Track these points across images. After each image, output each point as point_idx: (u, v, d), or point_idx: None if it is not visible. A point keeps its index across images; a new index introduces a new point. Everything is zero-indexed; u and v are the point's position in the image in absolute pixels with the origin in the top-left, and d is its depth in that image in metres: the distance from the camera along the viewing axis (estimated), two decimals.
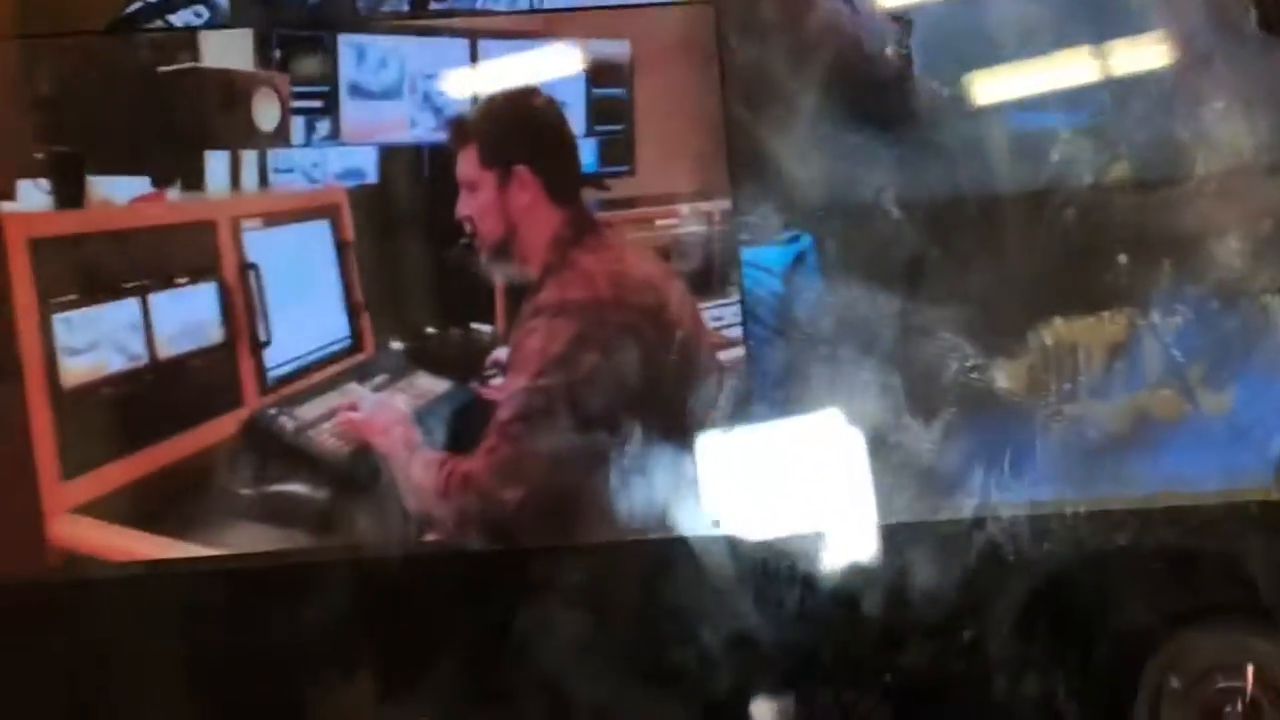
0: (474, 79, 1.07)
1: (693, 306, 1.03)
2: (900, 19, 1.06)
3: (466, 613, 1.01)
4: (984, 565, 1.01)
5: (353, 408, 1.04)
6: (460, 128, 1.05)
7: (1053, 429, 1.03)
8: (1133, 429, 1.03)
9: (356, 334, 1.05)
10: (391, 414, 1.03)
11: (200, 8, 1.07)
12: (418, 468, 1.01)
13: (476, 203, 1.03)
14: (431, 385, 1.05)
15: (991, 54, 1.05)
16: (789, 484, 1.01)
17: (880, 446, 1.01)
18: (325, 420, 1.04)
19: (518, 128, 1.05)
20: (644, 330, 1.02)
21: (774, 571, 1.00)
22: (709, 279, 1.04)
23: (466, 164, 1.04)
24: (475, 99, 1.06)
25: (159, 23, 1.08)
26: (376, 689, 1.01)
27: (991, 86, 1.06)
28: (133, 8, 1.08)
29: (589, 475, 1.01)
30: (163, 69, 1.05)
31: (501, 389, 1.03)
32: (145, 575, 1.00)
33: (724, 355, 1.03)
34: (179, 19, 1.08)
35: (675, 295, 1.03)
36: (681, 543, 1.00)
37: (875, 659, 1.00)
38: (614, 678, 1.00)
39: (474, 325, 1.05)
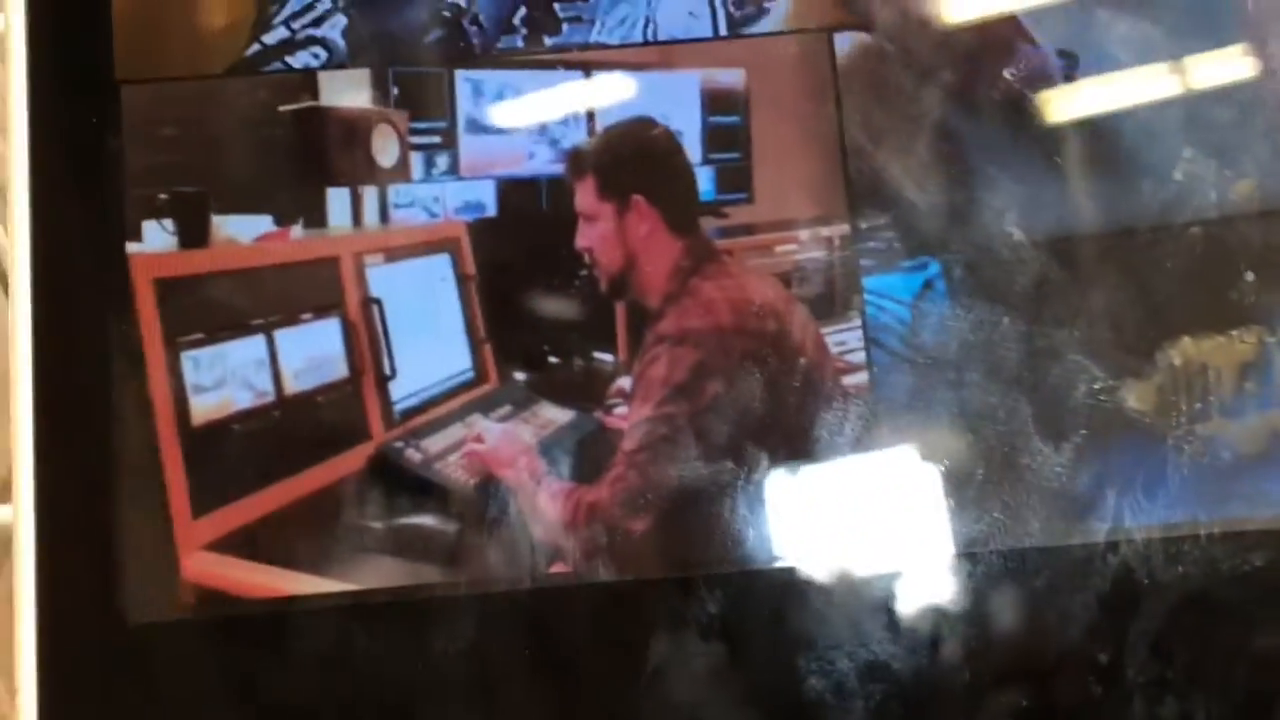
0: (590, 111, 1.07)
1: (815, 332, 1.03)
2: (1066, 53, 1.06)
3: (596, 644, 1.01)
4: (1118, 589, 1.00)
5: (478, 440, 1.04)
6: (578, 160, 1.06)
7: (1184, 450, 1.02)
8: (1266, 448, 1.02)
9: (480, 366, 1.06)
10: (516, 445, 1.04)
11: (318, 49, 1.09)
12: (544, 498, 1.01)
13: (595, 234, 1.05)
14: (555, 415, 1.06)
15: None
16: (916, 511, 1.00)
17: (1009, 471, 1.00)
18: (452, 452, 1.05)
19: (634, 158, 1.06)
20: (767, 357, 1.02)
21: (904, 599, 0.99)
22: (830, 304, 1.04)
23: (585, 196, 1.05)
24: (592, 132, 1.07)
25: (278, 64, 1.09)
26: None
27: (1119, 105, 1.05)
28: (250, 51, 1.10)
29: (715, 504, 1.00)
30: (283, 108, 1.07)
31: (626, 418, 1.03)
32: (279, 612, 1.00)
33: (848, 381, 1.02)
34: (297, 60, 1.09)
35: (797, 321, 1.04)
36: (808, 572, 0.99)
37: (1010, 685, 0.99)
38: (745, 710, 1.00)
39: (596, 355, 1.05)
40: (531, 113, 1.08)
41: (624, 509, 1.00)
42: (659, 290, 1.04)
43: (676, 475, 1.01)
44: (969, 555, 1.00)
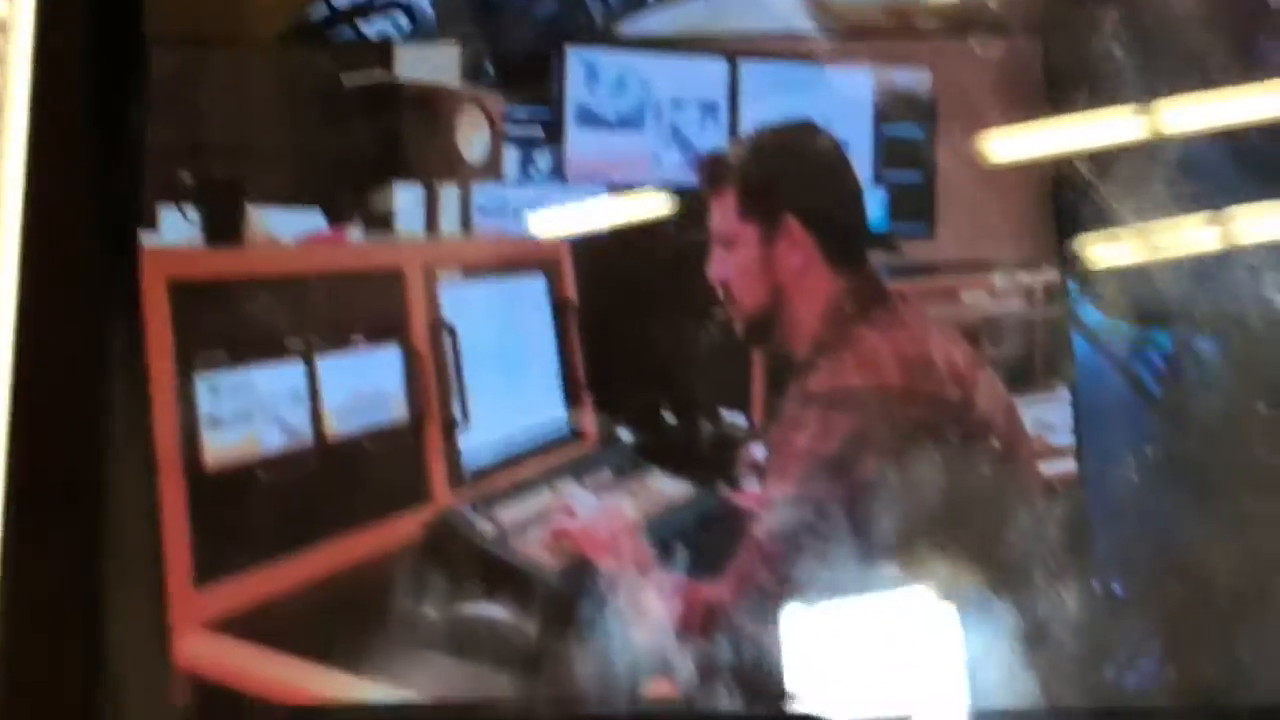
0: (733, 109, 0.89)
1: (1008, 404, 0.83)
2: None
3: None
4: None
5: (569, 513, 0.85)
6: (717, 169, 0.88)
7: None
8: None
9: (576, 418, 0.88)
10: (618, 523, 0.85)
11: (400, 15, 0.91)
12: (651, 595, 0.81)
13: (734, 261, 0.86)
14: (668, 488, 0.88)
15: None
16: (1141, 644, 0.79)
17: (1267, 596, 0.80)
18: (534, 525, 0.85)
19: (790, 171, 0.87)
20: (944, 430, 0.82)
21: None
22: (1030, 370, 0.85)
23: (724, 214, 0.87)
24: (736, 135, 0.89)
25: (348, 31, 0.91)
26: None
27: None
28: (315, 15, 0.92)
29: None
30: (347, 80, 0.88)
31: (759, 496, 0.84)
32: None
33: (1050, 469, 0.82)
34: (373, 28, 0.91)
35: (985, 389, 0.84)
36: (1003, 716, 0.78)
37: None
38: None
39: (725, 415, 0.87)
40: (661, 107, 0.89)
41: (752, 615, 0.80)
42: (810, 336, 0.85)
43: (820, 573, 0.80)
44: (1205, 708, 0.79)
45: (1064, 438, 0.84)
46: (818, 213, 0.87)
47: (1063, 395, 0.84)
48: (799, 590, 0.81)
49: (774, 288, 0.86)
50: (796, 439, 0.83)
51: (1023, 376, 0.85)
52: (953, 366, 0.84)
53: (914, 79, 0.89)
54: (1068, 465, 0.83)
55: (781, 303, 0.86)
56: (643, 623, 0.81)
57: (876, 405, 0.83)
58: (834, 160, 0.88)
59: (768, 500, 0.83)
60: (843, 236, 0.87)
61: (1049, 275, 0.86)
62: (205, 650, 0.81)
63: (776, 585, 0.81)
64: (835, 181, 0.88)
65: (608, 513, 0.85)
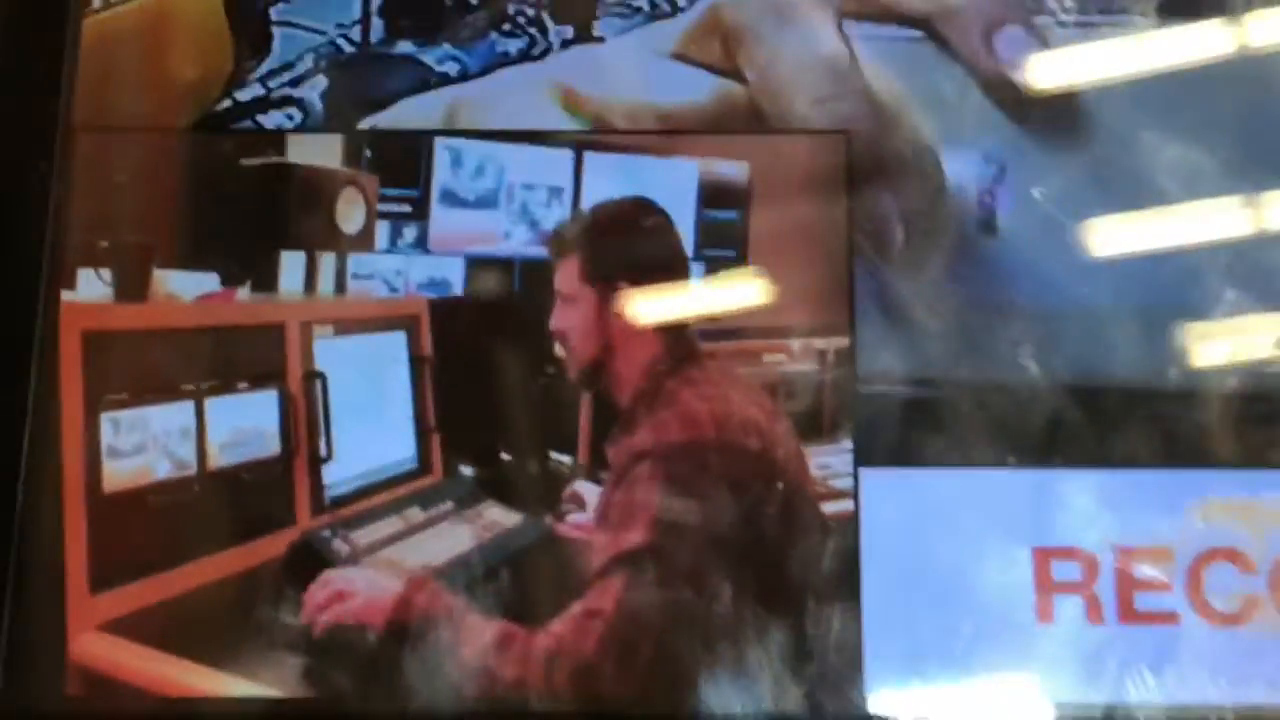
0: (579, 191, 1.03)
1: (799, 452, 0.97)
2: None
3: None
4: None
5: (339, 597, 0.94)
6: (562, 237, 1.01)
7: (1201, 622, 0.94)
8: None
9: (424, 456, 1.01)
10: (388, 589, 0.94)
11: (293, 110, 1.06)
12: (475, 641, 0.92)
13: (573, 317, 0.99)
14: (501, 517, 1.01)
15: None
16: (909, 659, 0.93)
17: (1006, 629, 0.93)
18: (384, 546, 0.99)
19: (625, 242, 1.00)
20: (750, 480, 0.95)
21: None
22: (819, 423, 0.98)
23: (566, 277, 1.00)
24: (578, 211, 1.03)
25: (248, 122, 1.06)
26: None
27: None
28: (222, 106, 1.06)
29: (693, 642, 0.92)
30: (245, 162, 1.03)
31: (605, 546, 0.95)
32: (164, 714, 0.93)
33: (830, 508, 0.96)
34: (270, 120, 1.06)
35: (781, 438, 0.97)
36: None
37: None
38: None
39: (553, 455, 1.00)
40: (513, 189, 1.03)
41: (602, 653, 0.92)
42: (631, 387, 0.98)
43: (662, 612, 0.93)
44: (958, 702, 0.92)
45: (846, 482, 0.97)
46: (648, 281, 1.00)
47: (845, 444, 0.97)
48: (647, 625, 0.93)
49: (605, 343, 0.99)
50: (638, 495, 0.95)
51: (812, 428, 0.98)
52: (754, 421, 0.98)
53: (733, 169, 1.03)
54: (846, 504, 0.96)
55: (610, 356, 0.99)
56: (470, 662, 0.93)
57: (699, 459, 0.96)
58: (665, 235, 1.02)
59: (615, 551, 0.93)
60: (666, 302, 1.00)
61: (839, 341, 0.99)
62: (97, 648, 0.95)
63: (630, 622, 0.92)
64: (664, 254, 1.01)
65: (372, 584, 0.95)
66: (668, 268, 1.02)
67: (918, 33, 1.05)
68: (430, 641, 0.93)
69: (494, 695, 0.92)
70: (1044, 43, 1.04)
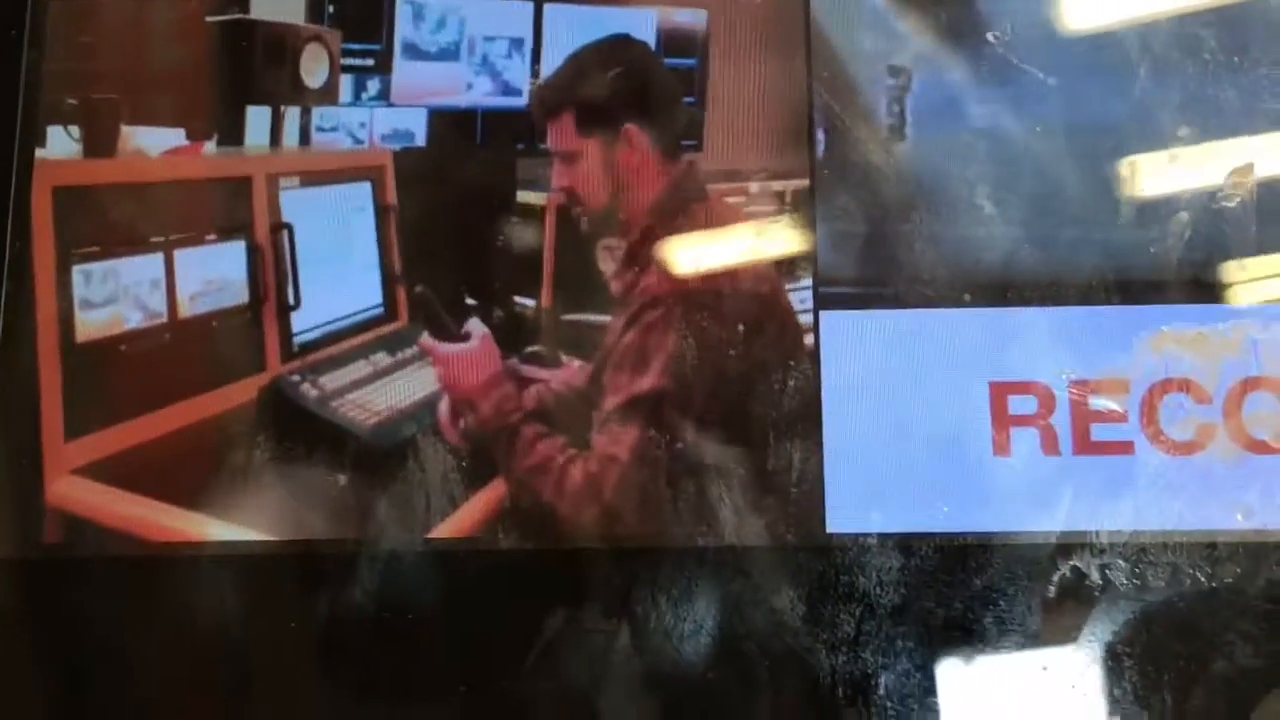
0: (540, 43, 1.05)
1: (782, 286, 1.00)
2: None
3: (493, 613, 0.97)
4: (1073, 598, 0.95)
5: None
6: (550, 95, 1.03)
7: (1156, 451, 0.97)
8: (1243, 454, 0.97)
9: (390, 302, 1.03)
10: (496, 368, 1.00)
11: None
12: (521, 454, 0.97)
13: (579, 172, 1.01)
14: None
15: None
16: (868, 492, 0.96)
17: (955, 448, 0.96)
18: (352, 390, 1.02)
19: (616, 83, 1.02)
20: (762, 320, 0.98)
21: (827, 584, 0.95)
22: (779, 263, 1.01)
23: (562, 134, 1.02)
24: (536, 63, 1.05)
25: None
26: (389, 698, 0.96)
27: None
28: None
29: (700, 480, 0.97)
30: (210, 18, 1.05)
31: (618, 387, 0.99)
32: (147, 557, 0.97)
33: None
34: None
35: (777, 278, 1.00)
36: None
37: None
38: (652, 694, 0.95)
39: (517, 300, 1.02)
40: (474, 41, 1.05)
41: (628, 500, 0.97)
42: (639, 223, 1.01)
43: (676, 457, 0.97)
44: (903, 543, 0.96)
45: (807, 318, 1.00)
46: (648, 114, 1.02)
47: (806, 282, 1.00)
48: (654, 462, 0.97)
49: (616, 187, 1.01)
50: (649, 336, 0.98)
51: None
52: (759, 262, 1.00)
53: (691, 17, 1.05)
54: (809, 338, 0.99)
55: (620, 198, 1.01)
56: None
57: (710, 301, 0.99)
58: (653, 64, 1.03)
59: (631, 392, 0.98)
60: (670, 132, 1.02)
61: (797, 183, 1.01)
62: (73, 491, 0.98)
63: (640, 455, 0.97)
64: (657, 83, 1.03)
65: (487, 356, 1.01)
66: (664, 97, 1.03)
67: None
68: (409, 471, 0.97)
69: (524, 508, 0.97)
70: None
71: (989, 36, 1.04)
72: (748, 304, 1.00)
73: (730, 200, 1.03)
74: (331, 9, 1.06)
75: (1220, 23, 1.04)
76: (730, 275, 1.01)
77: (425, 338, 1.00)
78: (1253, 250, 1.01)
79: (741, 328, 0.99)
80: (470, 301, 1.02)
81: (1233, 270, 1.01)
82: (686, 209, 1.01)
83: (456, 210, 1.03)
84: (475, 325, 1.00)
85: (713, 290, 1.00)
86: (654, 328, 0.99)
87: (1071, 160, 1.02)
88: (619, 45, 1.04)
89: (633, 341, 0.99)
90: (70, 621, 0.98)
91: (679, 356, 0.98)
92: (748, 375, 0.99)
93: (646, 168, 1.02)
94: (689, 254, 1.01)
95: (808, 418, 0.98)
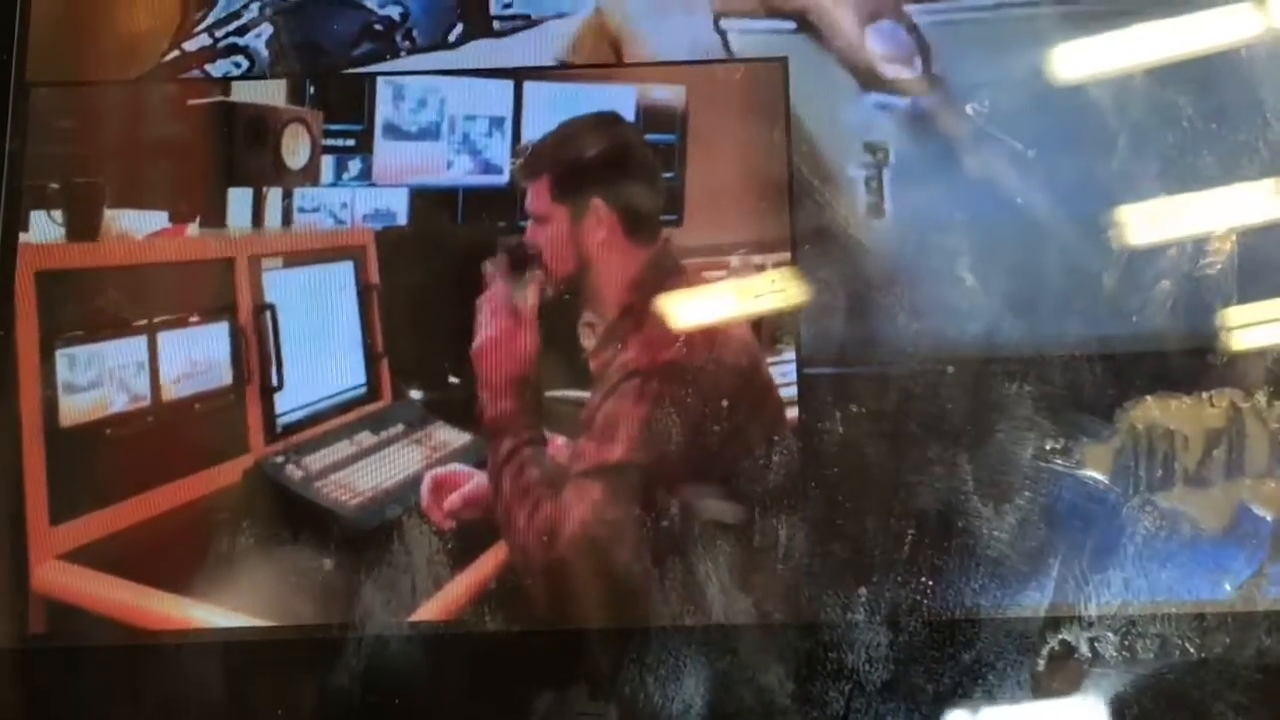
0: (520, 122, 1.06)
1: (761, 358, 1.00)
2: None
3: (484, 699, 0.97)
4: (1062, 669, 0.95)
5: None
6: (532, 159, 1.04)
7: (1143, 520, 0.98)
8: (1233, 522, 0.98)
9: (374, 381, 1.04)
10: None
11: (239, 58, 1.09)
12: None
13: (546, 236, 1.02)
14: (451, 437, 1.04)
15: None
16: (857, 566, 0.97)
17: (946, 533, 0.97)
18: (335, 470, 1.03)
19: (595, 157, 1.03)
20: (738, 396, 0.98)
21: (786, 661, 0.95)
22: (759, 336, 1.02)
23: (538, 197, 1.04)
24: (517, 143, 1.06)
25: (196, 72, 1.09)
26: None
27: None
28: (169, 57, 1.09)
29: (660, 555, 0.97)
30: (192, 102, 1.07)
31: (588, 454, 1.00)
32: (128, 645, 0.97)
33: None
34: (217, 69, 1.09)
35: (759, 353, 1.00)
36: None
37: None
38: None
39: None
40: (455, 120, 1.06)
41: (577, 557, 0.98)
42: (617, 301, 1.01)
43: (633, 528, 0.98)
44: (890, 621, 0.96)
45: (790, 391, 1.00)
46: (620, 193, 1.03)
47: (789, 355, 1.01)
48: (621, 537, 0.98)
49: (581, 259, 1.02)
50: (623, 407, 0.99)
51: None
52: (740, 335, 1.01)
53: (670, 94, 1.06)
54: (793, 412, 1.00)
55: (587, 272, 1.02)
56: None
57: (685, 376, 0.99)
58: (634, 143, 1.05)
59: (594, 461, 0.99)
60: (642, 214, 1.03)
61: (778, 257, 1.02)
62: (58, 577, 0.99)
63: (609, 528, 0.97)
64: (635, 165, 1.04)
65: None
66: (640, 176, 1.04)
67: (792, 25, 1.08)
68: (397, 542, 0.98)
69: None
70: (917, 34, 1.07)
71: (968, 109, 1.05)
72: (728, 378, 1.00)
73: (711, 274, 1.03)
74: (312, 90, 1.08)
75: (1197, 89, 1.05)
76: (709, 349, 1.01)
77: None
78: (1234, 316, 1.02)
79: (724, 403, 1.00)
80: (453, 380, 1.03)
81: (1215, 337, 1.01)
82: (665, 285, 1.02)
83: (439, 289, 1.04)
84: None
85: (691, 364, 1.00)
86: (626, 398, 0.99)
87: (1052, 231, 1.03)
88: (605, 121, 1.06)
89: (605, 411, 1.00)
90: (57, 713, 0.98)
91: (657, 430, 0.99)
92: (730, 450, 0.99)
93: (613, 244, 1.03)
94: (667, 329, 1.02)
95: (793, 492, 0.99)
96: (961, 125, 1.05)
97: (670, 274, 1.03)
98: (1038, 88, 1.05)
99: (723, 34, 1.07)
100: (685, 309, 1.03)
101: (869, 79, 1.06)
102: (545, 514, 0.98)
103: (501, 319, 1.01)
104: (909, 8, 1.07)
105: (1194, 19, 1.05)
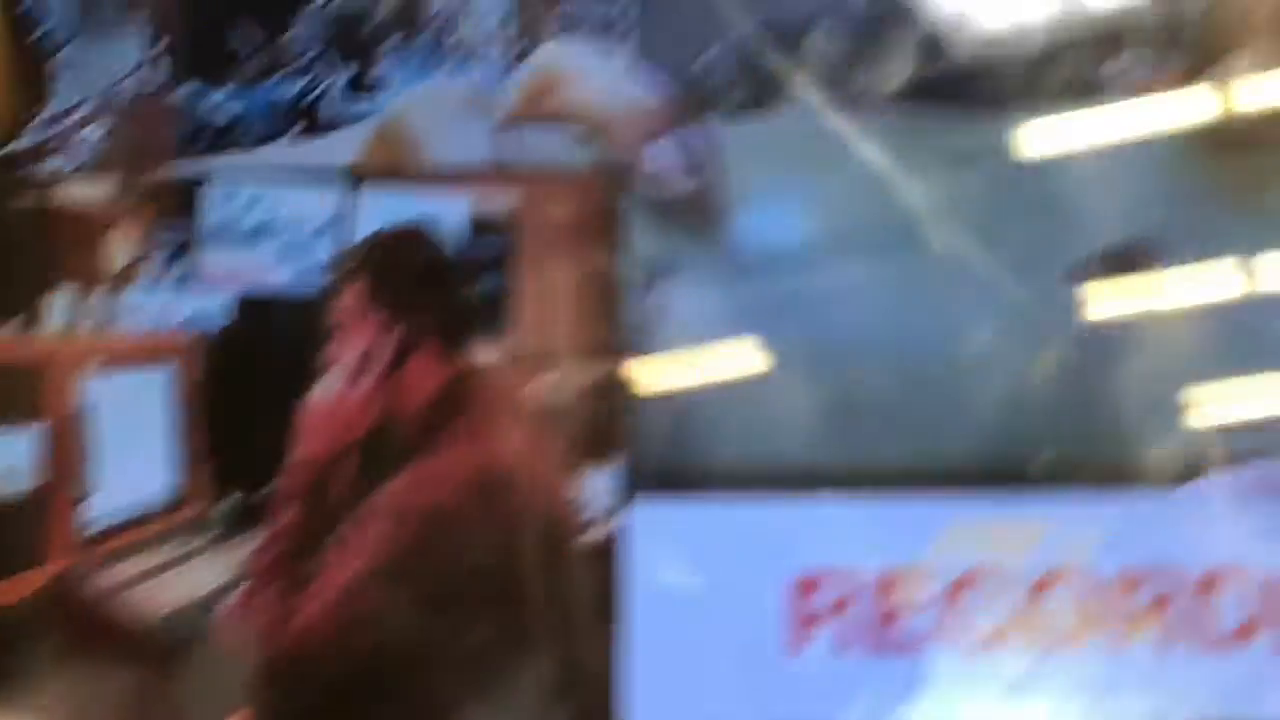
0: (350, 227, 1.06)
1: (564, 484, 0.98)
2: None
3: None
4: None
5: None
6: (349, 262, 1.01)
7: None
8: None
9: (188, 488, 1.02)
10: None
11: (68, 156, 1.08)
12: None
13: (353, 346, 0.99)
14: None
15: None
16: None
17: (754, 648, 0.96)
18: (140, 582, 1.00)
19: (405, 267, 1.01)
20: (506, 528, 0.96)
21: None
22: (589, 444, 1.01)
23: (352, 300, 1.00)
24: (353, 243, 1.04)
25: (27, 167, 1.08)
26: None
27: None
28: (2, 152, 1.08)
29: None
30: (14, 205, 1.05)
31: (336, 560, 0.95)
32: None
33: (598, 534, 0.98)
34: (48, 166, 1.08)
35: (548, 477, 0.98)
36: None
37: None
38: None
39: None
40: (283, 225, 1.05)
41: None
42: (418, 420, 0.98)
43: None
44: None
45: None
46: (432, 306, 1.01)
47: (617, 463, 1.00)
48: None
49: (384, 372, 0.99)
50: (366, 534, 0.93)
51: (582, 451, 1.01)
52: (519, 467, 0.98)
53: (499, 202, 1.06)
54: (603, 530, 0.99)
55: (389, 384, 0.99)
56: None
57: (445, 522, 0.95)
58: (441, 259, 1.03)
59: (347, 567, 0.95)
60: (452, 327, 1.01)
61: (609, 364, 1.02)
62: None
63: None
64: (443, 278, 1.02)
65: None
66: (448, 292, 1.02)
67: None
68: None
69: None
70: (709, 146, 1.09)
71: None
72: (527, 500, 0.98)
73: (531, 386, 1.03)
74: (139, 191, 1.06)
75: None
76: (507, 471, 0.99)
77: None
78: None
79: (516, 527, 0.97)
80: (272, 486, 1.01)
81: (1031, 462, 1.02)
82: (458, 410, 0.99)
83: (258, 393, 1.02)
84: None
85: (483, 486, 0.97)
86: (369, 531, 0.94)
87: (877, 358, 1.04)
88: (413, 233, 1.02)
89: (360, 525, 0.96)
90: None
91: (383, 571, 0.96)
92: (521, 576, 0.97)
93: (418, 361, 0.99)
94: (470, 449, 0.99)
95: (602, 618, 0.97)
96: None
97: (473, 393, 1.00)
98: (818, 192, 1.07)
99: (516, 141, 1.07)
100: (473, 439, 1.00)
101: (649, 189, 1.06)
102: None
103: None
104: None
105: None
